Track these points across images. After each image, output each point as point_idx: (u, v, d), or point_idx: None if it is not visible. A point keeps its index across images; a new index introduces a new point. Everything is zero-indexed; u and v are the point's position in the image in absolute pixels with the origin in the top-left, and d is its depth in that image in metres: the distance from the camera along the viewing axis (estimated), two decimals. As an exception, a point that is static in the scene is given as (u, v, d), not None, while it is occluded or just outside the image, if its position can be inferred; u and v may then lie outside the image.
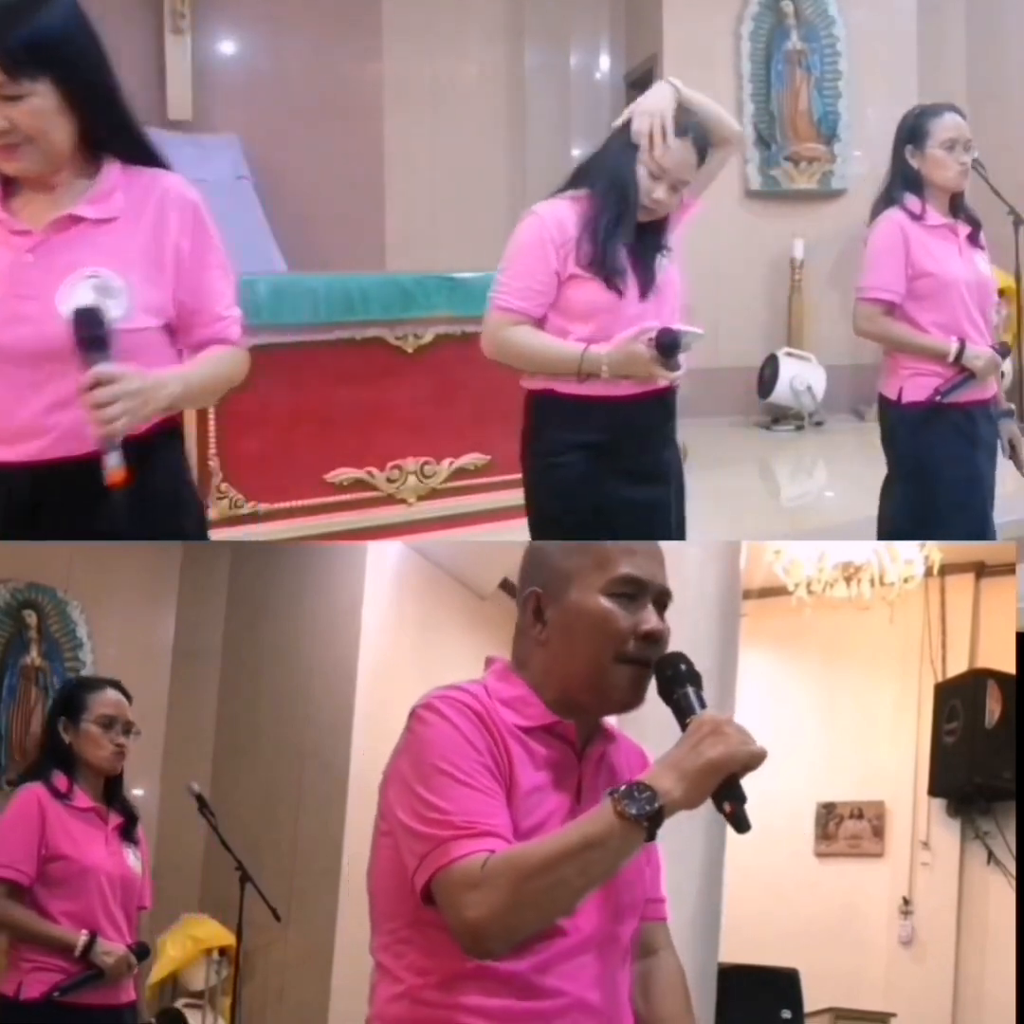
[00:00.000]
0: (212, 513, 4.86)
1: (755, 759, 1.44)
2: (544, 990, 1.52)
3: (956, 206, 3.79)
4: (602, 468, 2.94)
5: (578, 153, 9.11)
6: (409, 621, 4.57)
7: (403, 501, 5.26)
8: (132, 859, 2.92)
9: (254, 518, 4.96)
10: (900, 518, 3.86)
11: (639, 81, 9.04)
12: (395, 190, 8.34)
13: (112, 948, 2.80)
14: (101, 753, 2.88)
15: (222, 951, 4.30)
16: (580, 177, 3.00)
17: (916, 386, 3.72)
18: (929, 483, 3.72)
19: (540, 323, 2.93)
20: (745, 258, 8.54)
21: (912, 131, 3.74)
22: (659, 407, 3.00)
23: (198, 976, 4.34)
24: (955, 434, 3.70)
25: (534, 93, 8.94)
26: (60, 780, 2.86)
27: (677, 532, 3.13)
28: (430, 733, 1.53)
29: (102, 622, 4.69)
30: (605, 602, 1.59)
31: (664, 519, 3.07)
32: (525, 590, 1.65)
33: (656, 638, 1.59)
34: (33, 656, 4.60)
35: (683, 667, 1.56)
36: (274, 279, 5.33)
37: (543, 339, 2.92)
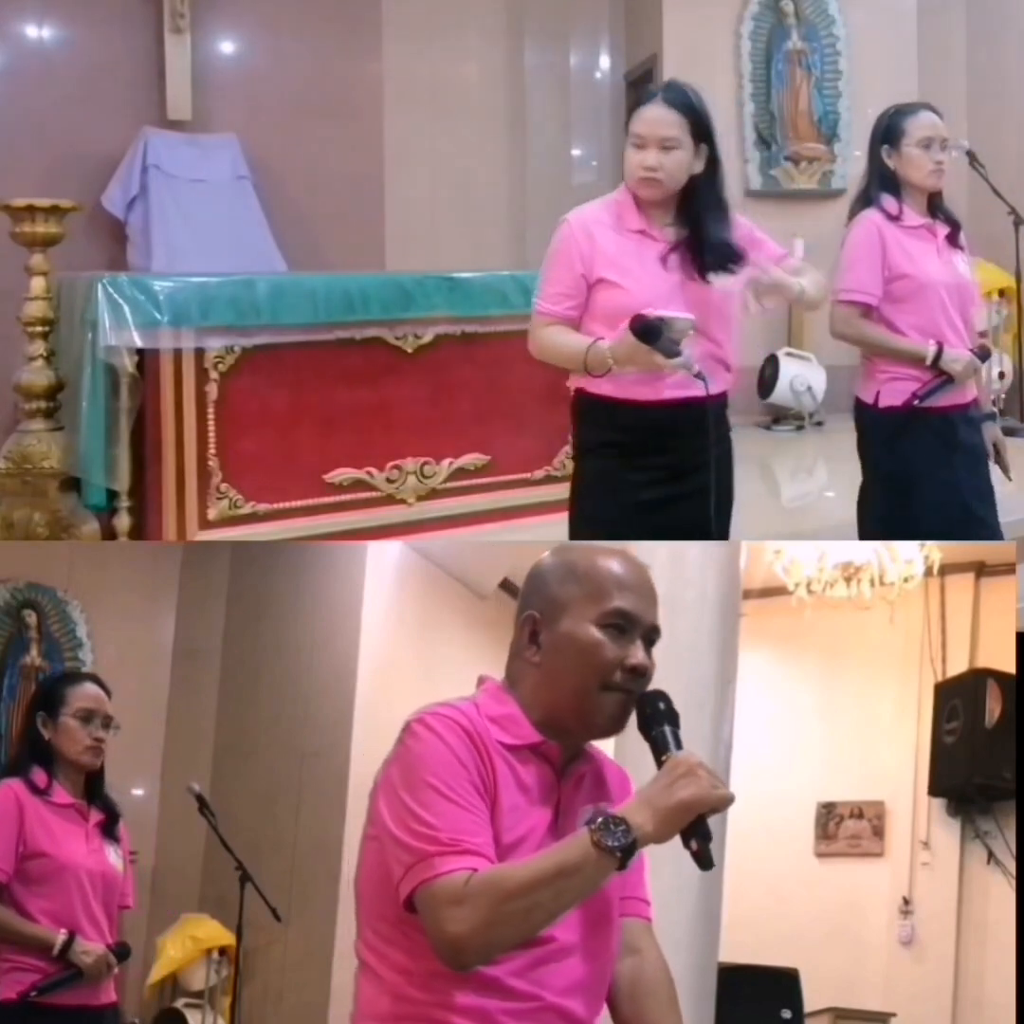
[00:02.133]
0: (212, 513, 4.86)
1: (723, 802, 1.56)
2: (518, 992, 1.59)
3: (934, 206, 3.69)
4: (624, 467, 3.01)
5: (578, 153, 9.11)
6: (409, 621, 4.56)
7: (403, 501, 5.25)
8: (113, 857, 2.87)
9: (254, 518, 4.95)
10: (878, 525, 3.81)
11: (639, 81, 9.04)
12: (395, 190, 8.31)
13: (91, 947, 2.75)
14: (78, 747, 2.83)
15: (222, 951, 4.31)
16: None
17: (893, 390, 3.63)
18: (906, 488, 3.63)
19: (577, 325, 3.01)
20: (745, 258, 8.53)
21: (887, 130, 3.64)
22: (687, 413, 2.96)
23: (198, 976, 4.34)
24: (933, 439, 3.60)
25: (534, 93, 8.92)
26: (39, 776, 2.81)
27: (706, 533, 3.05)
28: (422, 748, 1.60)
29: (102, 622, 4.69)
30: (596, 632, 1.67)
31: (689, 522, 3.02)
32: (523, 613, 1.72)
33: (641, 672, 1.68)
34: (33, 656, 4.60)
35: (662, 705, 1.66)
36: (274, 279, 5.31)
37: (564, 337, 3.01)
